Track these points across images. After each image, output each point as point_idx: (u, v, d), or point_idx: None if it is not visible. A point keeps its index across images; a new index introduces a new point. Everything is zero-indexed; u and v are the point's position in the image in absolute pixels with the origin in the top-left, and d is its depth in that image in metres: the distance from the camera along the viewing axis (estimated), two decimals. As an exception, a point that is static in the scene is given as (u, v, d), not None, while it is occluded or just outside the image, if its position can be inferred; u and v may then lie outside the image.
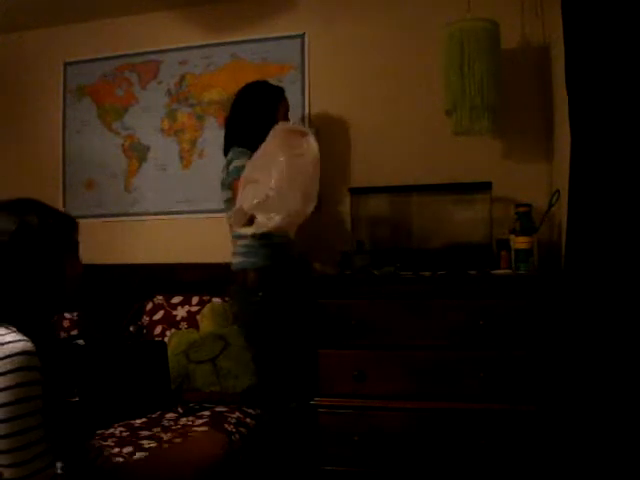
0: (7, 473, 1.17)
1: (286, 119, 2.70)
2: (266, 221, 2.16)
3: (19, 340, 1.20)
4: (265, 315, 2.51)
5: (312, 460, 2.53)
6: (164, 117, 3.45)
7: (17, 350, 1.18)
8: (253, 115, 2.62)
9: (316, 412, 2.52)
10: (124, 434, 2.27)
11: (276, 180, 2.16)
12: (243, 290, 2.55)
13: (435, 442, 2.41)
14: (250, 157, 2.40)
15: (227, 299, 2.97)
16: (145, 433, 2.27)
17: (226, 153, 2.65)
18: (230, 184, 2.54)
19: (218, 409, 2.57)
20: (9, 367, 1.16)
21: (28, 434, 1.19)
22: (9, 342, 1.19)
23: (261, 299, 2.48)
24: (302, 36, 3.26)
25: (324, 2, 3.24)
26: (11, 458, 1.17)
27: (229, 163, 2.56)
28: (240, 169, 2.41)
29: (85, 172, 3.57)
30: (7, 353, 1.17)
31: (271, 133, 2.32)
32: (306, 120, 3.18)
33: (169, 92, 3.46)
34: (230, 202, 2.55)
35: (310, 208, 2.25)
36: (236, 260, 2.59)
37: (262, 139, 2.36)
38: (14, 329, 1.23)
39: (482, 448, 2.35)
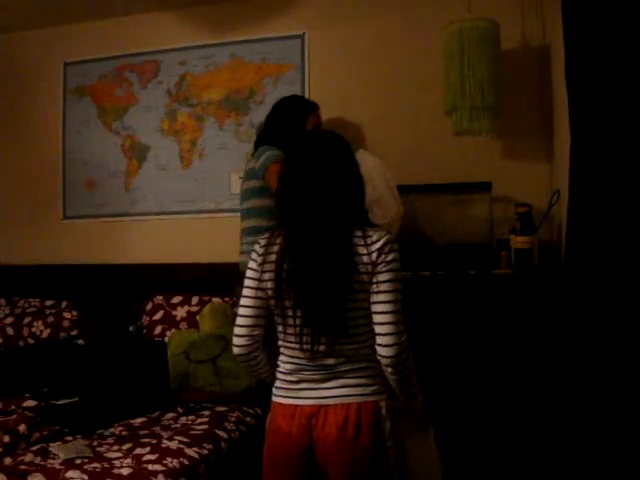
0: (384, 329, 1.55)
1: None
2: (382, 215, 2.41)
3: (386, 232, 1.62)
4: None
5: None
6: (164, 117, 3.46)
7: (391, 238, 1.60)
8: (283, 122, 2.68)
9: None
10: (123, 433, 2.27)
11: (382, 184, 2.48)
12: None
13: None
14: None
15: (235, 299, 2.93)
16: (145, 432, 2.27)
17: (254, 152, 2.67)
18: (262, 174, 2.52)
19: (218, 409, 2.57)
20: (394, 247, 1.59)
21: (400, 297, 1.59)
22: (386, 233, 1.61)
23: None
24: (302, 36, 3.26)
25: (324, 2, 3.24)
26: (392, 317, 1.56)
27: (260, 154, 2.56)
28: (277, 156, 2.46)
29: (85, 172, 3.57)
30: (389, 239, 1.59)
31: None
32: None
33: (169, 92, 3.46)
34: (256, 192, 2.56)
35: (402, 208, 2.53)
36: (245, 259, 2.57)
37: (290, 145, 2.43)
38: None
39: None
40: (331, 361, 1.59)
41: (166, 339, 2.93)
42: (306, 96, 3.17)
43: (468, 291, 2.49)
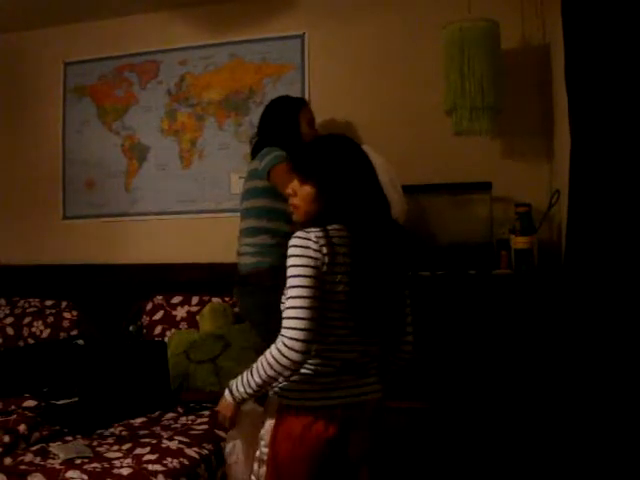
0: (411, 328, 1.74)
1: (311, 126, 2.77)
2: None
3: None
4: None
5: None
6: (164, 117, 3.46)
7: None
8: (278, 125, 2.68)
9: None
10: (123, 433, 2.27)
11: (386, 181, 2.41)
12: (258, 290, 2.49)
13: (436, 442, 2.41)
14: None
15: (234, 299, 2.92)
16: (145, 432, 2.27)
17: (253, 158, 2.68)
18: (266, 174, 2.52)
19: (218, 409, 2.57)
20: None
21: None
22: None
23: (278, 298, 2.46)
24: (302, 36, 3.26)
25: (324, 2, 3.24)
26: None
27: (265, 155, 2.55)
28: (282, 156, 2.47)
29: (85, 172, 3.57)
30: None
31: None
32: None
33: (169, 92, 3.46)
34: (257, 192, 2.57)
35: (406, 206, 2.51)
36: (248, 260, 2.57)
37: (289, 145, 2.48)
38: None
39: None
40: (369, 360, 1.66)
41: (166, 339, 2.94)
42: (306, 96, 3.17)
43: (468, 291, 2.49)
